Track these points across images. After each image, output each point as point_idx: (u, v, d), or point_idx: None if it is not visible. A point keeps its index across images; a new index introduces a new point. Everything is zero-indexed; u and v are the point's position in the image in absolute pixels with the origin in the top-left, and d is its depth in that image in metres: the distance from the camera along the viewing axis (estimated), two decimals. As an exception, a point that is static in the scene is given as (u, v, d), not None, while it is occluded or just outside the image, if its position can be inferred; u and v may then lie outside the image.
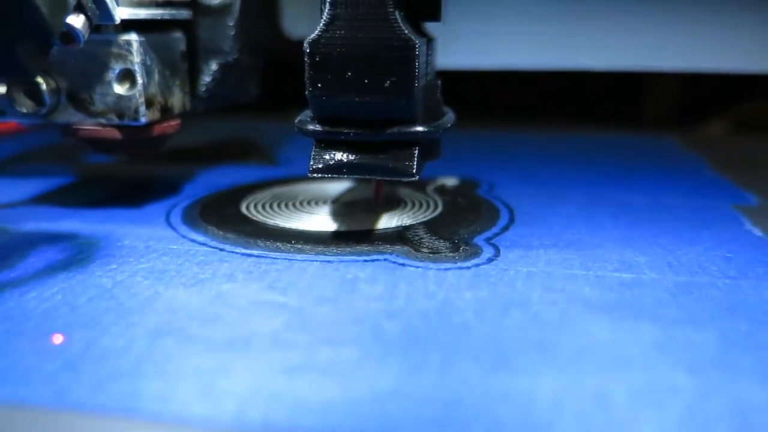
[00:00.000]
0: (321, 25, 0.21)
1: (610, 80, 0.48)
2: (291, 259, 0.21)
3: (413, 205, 0.27)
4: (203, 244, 0.23)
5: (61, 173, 0.33)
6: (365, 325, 0.17)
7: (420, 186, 0.30)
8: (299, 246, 0.22)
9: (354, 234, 0.23)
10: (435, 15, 0.23)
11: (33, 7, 0.17)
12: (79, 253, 0.22)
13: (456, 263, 0.21)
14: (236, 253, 0.22)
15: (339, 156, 0.22)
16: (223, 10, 0.30)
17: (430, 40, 0.24)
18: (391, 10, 0.21)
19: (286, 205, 0.27)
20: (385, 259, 0.21)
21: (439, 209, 0.27)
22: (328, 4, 0.21)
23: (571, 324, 0.17)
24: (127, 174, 0.33)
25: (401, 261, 0.21)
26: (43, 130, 0.40)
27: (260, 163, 0.36)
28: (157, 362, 0.15)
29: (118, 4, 0.23)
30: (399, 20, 0.21)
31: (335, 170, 0.22)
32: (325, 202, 0.27)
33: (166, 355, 0.15)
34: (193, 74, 0.29)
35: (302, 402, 0.14)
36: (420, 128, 0.22)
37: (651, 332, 0.17)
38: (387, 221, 0.25)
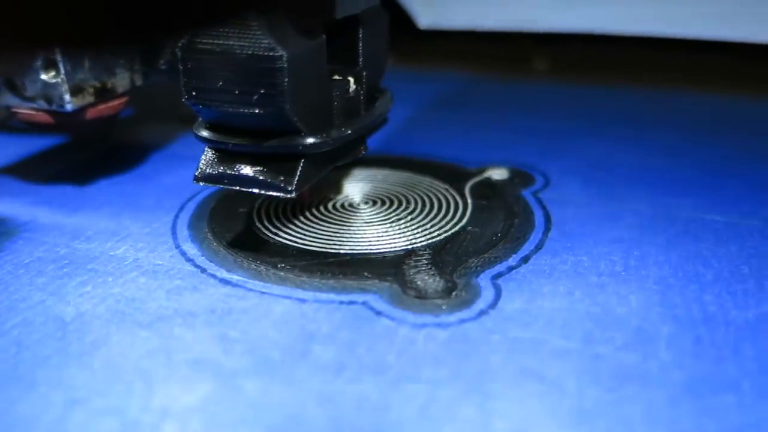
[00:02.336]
0: None
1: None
2: (264, 293, 0.20)
3: (439, 209, 0.25)
4: (191, 260, 0.22)
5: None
6: (287, 412, 0.15)
7: (462, 178, 0.27)
8: (282, 273, 0.21)
9: (348, 260, 0.21)
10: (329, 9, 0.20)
11: None
12: (69, 263, 0.22)
13: (438, 316, 0.18)
14: (216, 277, 0.21)
15: (222, 166, 0.21)
16: None
17: (342, 36, 0.22)
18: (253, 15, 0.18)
19: (302, 207, 0.25)
20: (363, 303, 0.19)
21: (465, 220, 0.24)
22: None
23: (522, 440, 0.14)
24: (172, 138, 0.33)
25: (379, 307, 0.19)
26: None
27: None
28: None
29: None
30: (265, 27, 0.18)
31: (217, 180, 0.21)
32: (344, 205, 0.25)
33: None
34: (153, 49, 0.28)
35: None
36: (307, 140, 0.20)
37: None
38: (397, 238, 0.23)
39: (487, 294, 0.20)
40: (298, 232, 0.23)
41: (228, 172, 0.20)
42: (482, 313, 0.19)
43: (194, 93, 0.19)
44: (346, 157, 0.23)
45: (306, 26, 0.19)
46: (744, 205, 0.25)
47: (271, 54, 0.18)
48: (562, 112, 0.37)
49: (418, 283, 0.20)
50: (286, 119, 0.19)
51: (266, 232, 0.23)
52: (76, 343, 0.18)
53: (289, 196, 0.20)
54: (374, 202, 0.25)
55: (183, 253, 0.22)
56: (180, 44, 0.19)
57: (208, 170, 0.21)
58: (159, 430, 0.15)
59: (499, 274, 0.21)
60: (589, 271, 0.21)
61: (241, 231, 0.23)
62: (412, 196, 0.26)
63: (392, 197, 0.25)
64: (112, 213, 0.25)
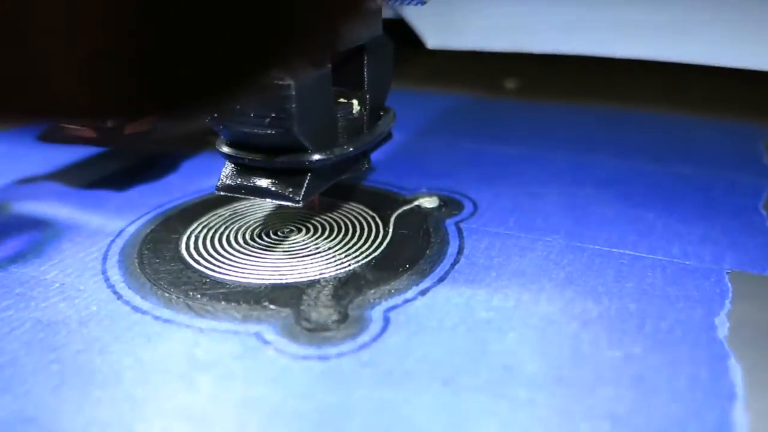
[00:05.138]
0: None
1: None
2: (169, 321, 0.21)
3: (359, 239, 0.26)
4: (111, 287, 0.23)
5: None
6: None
7: (391, 206, 0.28)
8: (189, 302, 0.22)
9: (254, 290, 0.23)
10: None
11: None
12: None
13: (321, 348, 0.20)
14: (129, 305, 0.22)
15: (239, 178, 0.24)
16: None
17: (350, 62, 0.24)
18: None
19: (235, 234, 0.26)
20: (255, 333, 0.21)
21: (380, 250, 0.25)
22: None
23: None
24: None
25: (270, 337, 0.20)
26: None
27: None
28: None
29: None
30: None
31: (235, 190, 0.24)
32: (269, 233, 0.26)
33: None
34: None
35: None
36: (313, 157, 0.23)
37: None
38: (308, 268, 0.24)
39: (375, 327, 0.21)
40: (217, 261, 0.24)
41: (245, 183, 0.24)
42: (363, 346, 0.20)
43: (216, 115, 0.23)
44: (349, 171, 0.26)
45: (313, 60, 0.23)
46: (655, 239, 0.26)
47: (280, 83, 0.21)
48: (513, 135, 0.38)
49: (312, 314, 0.21)
50: (295, 139, 0.22)
51: (189, 260, 0.25)
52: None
53: (297, 205, 0.23)
54: (299, 230, 0.26)
55: (106, 280, 0.24)
56: None
57: (227, 181, 0.24)
58: None
59: (394, 307, 0.22)
60: (481, 305, 0.22)
61: (166, 260, 0.25)
62: (337, 225, 0.27)
63: (318, 225, 0.27)
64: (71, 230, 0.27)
